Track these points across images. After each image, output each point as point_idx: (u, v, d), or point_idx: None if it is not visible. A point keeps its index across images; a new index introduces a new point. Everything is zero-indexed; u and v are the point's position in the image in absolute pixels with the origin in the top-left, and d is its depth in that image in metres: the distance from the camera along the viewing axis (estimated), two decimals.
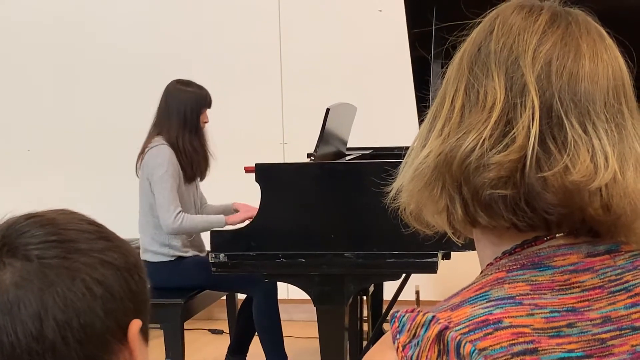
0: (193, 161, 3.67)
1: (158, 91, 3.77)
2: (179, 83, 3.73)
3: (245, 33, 4.91)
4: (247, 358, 3.84)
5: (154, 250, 3.65)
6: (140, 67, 4.97)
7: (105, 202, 4.85)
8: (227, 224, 3.56)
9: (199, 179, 3.81)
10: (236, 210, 3.85)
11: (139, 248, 3.72)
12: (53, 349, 0.81)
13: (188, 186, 3.69)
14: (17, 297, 0.81)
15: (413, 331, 0.80)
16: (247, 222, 3.34)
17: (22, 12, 5.12)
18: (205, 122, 3.74)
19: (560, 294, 0.82)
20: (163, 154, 3.57)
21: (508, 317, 0.79)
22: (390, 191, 0.94)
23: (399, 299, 3.74)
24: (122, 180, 4.22)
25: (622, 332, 0.83)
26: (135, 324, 0.86)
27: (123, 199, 4.37)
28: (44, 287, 0.82)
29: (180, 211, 3.54)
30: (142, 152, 3.66)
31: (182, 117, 3.65)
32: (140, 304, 0.88)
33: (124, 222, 4.04)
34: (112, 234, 0.90)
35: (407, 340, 0.80)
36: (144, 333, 0.89)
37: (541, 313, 0.80)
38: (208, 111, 3.76)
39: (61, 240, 0.85)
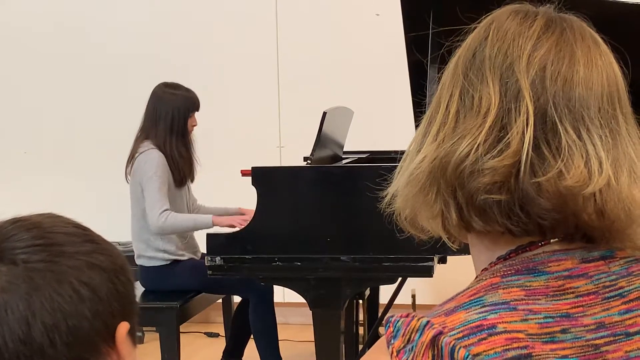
0: (179, 166, 3.63)
1: None
2: (167, 86, 3.68)
3: (243, 36, 4.91)
4: None
5: (149, 256, 3.63)
6: (137, 69, 4.96)
7: (102, 205, 4.84)
8: (214, 224, 3.52)
9: (189, 182, 3.78)
10: (241, 214, 3.82)
11: (133, 252, 3.70)
12: (41, 352, 0.81)
13: (179, 190, 3.66)
14: (4, 301, 0.82)
15: (407, 336, 0.80)
16: (237, 227, 3.33)
17: (21, 17, 5.12)
18: (194, 126, 3.69)
19: (555, 300, 0.82)
20: (152, 158, 3.55)
21: (502, 322, 0.79)
22: (386, 196, 0.94)
23: (395, 302, 3.74)
24: (119, 184, 4.20)
25: (616, 338, 0.83)
26: (123, 327, 0.86)
27: (120, 203, 4.36)
28: (30, 291, 0.82)
29: (165, 209, 3.49)
30: (131, 157, 3.63)
31: (170, 122, 3.61)
32: (127, 306, 0.88)
33: (121, 225, 4.05)
34: (98, 236, 0.90)
35: (402, 345, 0.80)
36: (132, 335, 0.89)
37: (535, 318, 0.80)
38: (202, 115, 3.72)
39: (47, 244, 0.85)
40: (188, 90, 3.68)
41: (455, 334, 0.78)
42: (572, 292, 0.83)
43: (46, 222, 0.87)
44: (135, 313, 0.90)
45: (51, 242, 0.85)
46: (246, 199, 3.78)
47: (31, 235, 0.85)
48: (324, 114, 3.20)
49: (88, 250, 0.86)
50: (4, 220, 0.87)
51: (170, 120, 3.61)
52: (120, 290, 0.87)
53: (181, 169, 3.63)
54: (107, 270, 0.87)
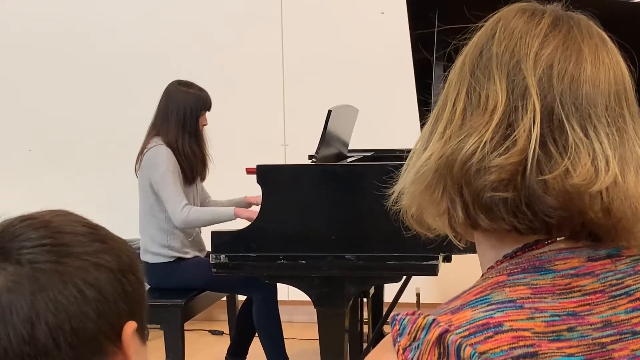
0: (192, 164, 3.65)
1: (160, 93, 3.76)
2: (180, 84, 3.71)
3: (248, 35, 4.91)
4: (246, 359, 3.84)
5: (153, 251, 3.65)
6: (141, 69, 4.97)
7: (106, 202, 4.85)
8: (236, 216, 3.54)
9: (199, 180, 3.80)
10: (248, 204, 3.83)
11: (139, 249, 3.72)
12: (45, 353, 0.81)
13: (187, 188, 3.68)
14: (9, 301, 0.82)
15: (414, 334, 0.80)
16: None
17: (24, 17, 5.12)
18: (204, 125, 3.72)
19: (561, 298, 0.82)
20: (161, 154, 3.57)
21: (508, 320, 0.79)
22: (392, 194, 0.94)
23: (400, 301, 3.74)
24: (123, 180, 4.22)
25: (623, 336, 0.82)
26: (129, 326, 0.86)
27: (124, 200, 4.37)
28: (35, 292, 0.82)
29: (187, 203, 3.52)
30: (141, 152, 3.65)
31: (182, 120, 3.63)
32: (135, 305, 0.88)
33: (125, 223, 4.05)
34: (107, 235, 0.89)
35: (408, 343, 0.80)
36: (141, 334, 0.89)
37: (542, 317, 0.80)
38: (208, 114, 3.74)
39: (54, 244, 0.84)
40: (201, 89, 3.70)
41: (461, 332, 0.78)
42: (579, 291, 0.83)
43: (55, 221, 0.87)
44: (144, 311, 0.90)
45: (58, 242, 0.85)
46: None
47: (39, 235, 0.85)
48: (329, 112, 3.19)
49: (95, 250, 0.86)
50: (13, 218, 0.87)
51: (182, 117, 3.63)
52: (127, 290, 0.87)
53: (193, 167, 3.66)
54: (114, 270, 0.86)
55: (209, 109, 3.71)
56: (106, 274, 0.85)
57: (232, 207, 3.60)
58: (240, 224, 3.25)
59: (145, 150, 3.62)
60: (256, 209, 3.56)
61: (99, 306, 0.84)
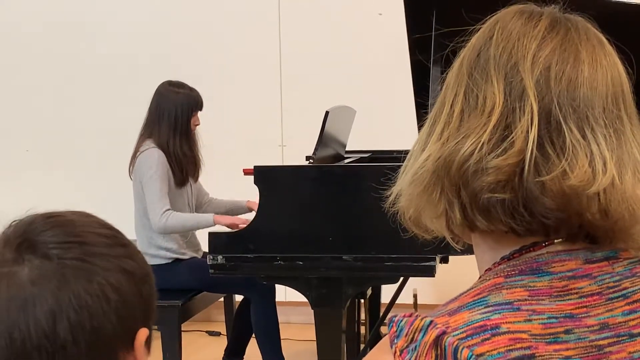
0: (183, 165, 3.63)
1: None
2: (171, 85, 3.69)
3: (245, 35, 4.91)
4: None
5: (150, 254, 3.64)
6: (138, 69, 4.97)
7: (104, 203, 4.82)
8: (215, 223, 3.53)
9: (192, 181, 3.78)
10: (250, 209, 3.82)
11: None
12: (64, 349, 0.82)
13: (180, 189, 3.66)
14: (33, 294, 0.82)
15: (411, 336, 0.80)
16: (240, 226, 3.33)
17: (23, 18, 5.12)
18: (197, 125, 3.70)
19: (558, 300, 0.82)
20: (152, 157, 3.56)
21: (506, 322, 0.79)
22: (390, 195, 0.94)
23: (397, 302, 3.74)
24: (121, 182, 4.21)
25: (620, 338, 0.83)
26: (143, 333, 0.87)
27: (122, 201, 4.36)
28: (60, 286, 0.82)
29: (167, 209, 3.50)
30: (134, 155, 3.64)
31: (173, 121, 3.61)
32: (149, 313, 0.89)
33: (124, 224, 4.05)
34: (127, 241, 0.91)
35: (405, 345, 0.80)
36: (148, 344, 0.89)
37: (539, 319, 0.80)
38: (206, 114, 3.73)
39: (80, 243, 0.85)
40: (192, 89, 3.69)
41: (458, 334, 0.78)
42: (576, 293, 0.83)
43: (79, 221, 0.88)
44: (154, 321, 0.90)
45: (84, 241, 0.86)
46: (248, 198, 3.79)
47: (65, 232, 0.86)
48: (327, 113, 3.19)
49: (119, 254, 0.87)
50: (37, 214, 0.88)
51: (173, 118, 3.61)
52: (144, 296, 0.88)
53: (184, 169, 3.64)
54: (135, 276, 0.87)
55: (200, 108, 3.69)
56: (128, 279, 0.86)
57: (212, 214, 3.58)
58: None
59: (138, 153, 3.61)
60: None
61: (119, 308, 0.85)
